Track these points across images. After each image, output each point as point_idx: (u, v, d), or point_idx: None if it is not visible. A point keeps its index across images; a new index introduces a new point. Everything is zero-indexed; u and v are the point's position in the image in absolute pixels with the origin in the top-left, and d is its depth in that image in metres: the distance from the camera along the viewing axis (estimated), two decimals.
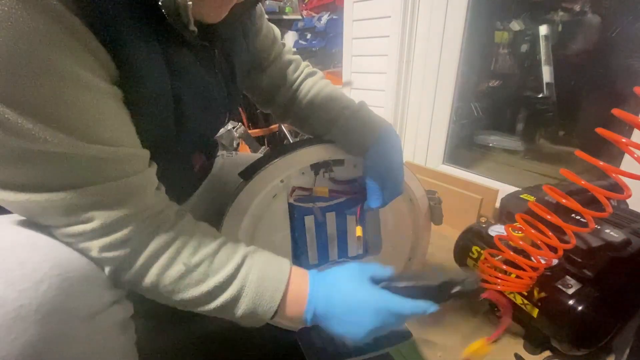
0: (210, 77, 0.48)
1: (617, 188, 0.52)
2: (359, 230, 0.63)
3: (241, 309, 0.41)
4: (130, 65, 0.35)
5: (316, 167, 0.61)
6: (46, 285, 0.32)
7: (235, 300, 0.41)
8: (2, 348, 0.29)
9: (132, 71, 0.35)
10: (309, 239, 0.64)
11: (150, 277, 0.38)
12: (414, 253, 0.74)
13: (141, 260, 0.37)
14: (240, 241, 0.45)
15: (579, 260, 0.67)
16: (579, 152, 0.52)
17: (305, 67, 0.69)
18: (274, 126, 1.94)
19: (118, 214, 0.35)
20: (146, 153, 0.39)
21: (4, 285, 0.30)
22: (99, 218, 0.34)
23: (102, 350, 0.39)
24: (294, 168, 0.59)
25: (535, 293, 0.69)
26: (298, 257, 0.66)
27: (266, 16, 0.65)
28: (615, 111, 0.47)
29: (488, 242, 0.80)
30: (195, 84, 0.44)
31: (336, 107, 0.62)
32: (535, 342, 0.73)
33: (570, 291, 0.65)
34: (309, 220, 0.64)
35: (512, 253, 0.65)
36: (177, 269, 0.39)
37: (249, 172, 0.57)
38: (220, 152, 0.74)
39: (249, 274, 0.41)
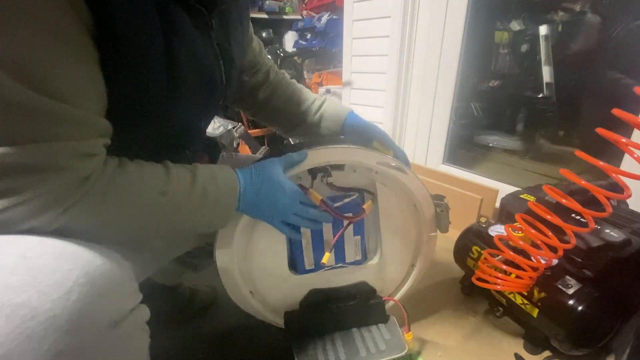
0: (206, 44, 0.48)
1: (617, 188, 0.52)
2: (325, 257, 0.60)
3: (210, 195, 0.46)
4: (114, 27, 0.35)
5: (313, 172, 0.59)
6: (76, 294, 0.32)
7: (205, 189, 0.45)
8: (35, 358, 0.29)
9: (117, 32, 0.35)
10: (305, 244, 0.63)
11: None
12: (416, 259, 0.72)
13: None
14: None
15: (579, 260, 0.67)
16: (579, 152, 0.52)
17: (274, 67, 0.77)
18: None
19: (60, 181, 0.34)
20: (106, 125, 0.39)
21: (37, 295, 0.30)
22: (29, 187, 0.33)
23: (125, 355, 0.39)
24: (299, 169, 0.57)
25: (535, 293, 0.69)
26: (294, 261, 0.65)
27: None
28: (615, 111, 0.47)
29: (488, 242, 0.80)
30: (191, 46, 0.44)
31: (310, 97, 0.74)
32: (535, 342, 0.73)
33: (570, 291, 0.65)
34: None
35: (512, 253, 0.65)
36: (154, 195, 0.41)
37: None
38: (220, 154, 0.74)
39: (205, 174, 0.46)
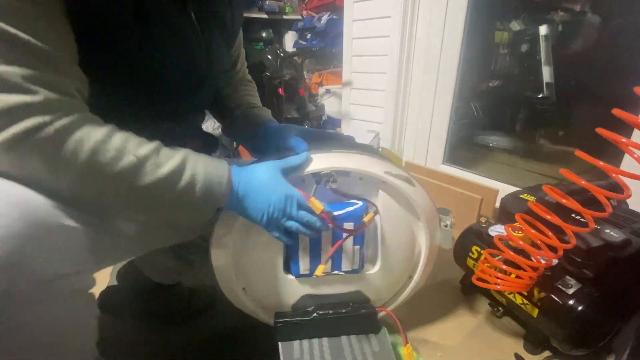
0: (182, 16, 0.48)
1: (617, 188, 0.52)
2: (319, 270, 0.59)
3: (199, 185, 0.45)
4: None
5: (318, 177, 0.57)
6: (14, 242, 0.34)
7: (193, 178, 0.44)
8: None
9: None
10: (302, 248, 0.61)
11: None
12: (414, 271, 0.69)
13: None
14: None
15: (579, 260, 0.67)
16: (579, 152, 0.52)
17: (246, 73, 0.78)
18: None
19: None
20: (78, 71, 0.39)
21: None
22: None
23: (58, 317, 0.40)
24: (300, 172, 0.56)
25: (535, 293, 0.69)
26: (289, 263, 0.64)
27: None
28: (615, 111, 0.47)
29: (488, 242, 0.80)
30: (163, 11, 0.45)
31: (266, 114, 0.73)
32: (535, 342, 0.73)
33: (570, 291, 0.65)
34: None
35: (512, 253, 0.65)
36: (128, 159, 0.40)
37: None
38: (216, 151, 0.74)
39: (196, 161, 0.46)
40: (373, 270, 0.66)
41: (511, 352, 0.73)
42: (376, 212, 0.61)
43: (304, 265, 0.63)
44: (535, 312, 0.69)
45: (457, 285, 0.92)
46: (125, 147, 0.40)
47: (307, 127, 0.70)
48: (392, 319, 0.67)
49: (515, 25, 1.78)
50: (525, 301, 0.70)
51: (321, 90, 2.16)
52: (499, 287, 0.67)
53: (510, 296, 0.74)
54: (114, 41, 0.42)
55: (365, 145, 0.68)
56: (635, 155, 0.47)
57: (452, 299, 0.89)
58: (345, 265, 0.64)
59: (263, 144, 0.66)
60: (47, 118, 0.35)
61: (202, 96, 0.60)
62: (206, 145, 0.69)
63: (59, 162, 0.37)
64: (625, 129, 0.51)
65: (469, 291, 0.90)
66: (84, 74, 0.40)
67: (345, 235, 0.58)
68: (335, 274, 0.64)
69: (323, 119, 2.08)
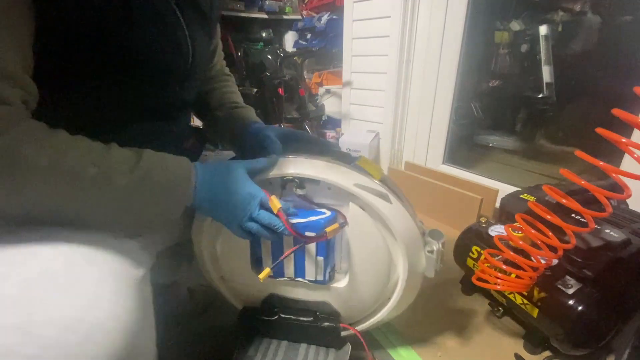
0: (164, 5, 0.48)
1: (617, 188, 0.52)
2: (263, 274, 0.55)
3: (154, 181, 0.43)
4: None
5: (284, 181, 0.56)
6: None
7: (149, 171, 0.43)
8: None
9: None
10: (264, 251, 0.61)
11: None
12: (393, 293, 0.63)
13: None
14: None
15: (579, 260, 0.67)
16: (579, 152, 0.52)
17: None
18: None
19: None
20: (27, 80, 0.37)
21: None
22: None
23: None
24: (265, 175, 0.55)
25: (535, 293, 0.69)
26: (256, 265, 0.64)
27: None
28: (615, 111, 0.47)
29: (488, 242, 0.80)
30: (146, 1, 0.45)
31: (250, 115, 0.71)
32: (535, 342, 0.73)
33: (570, 291, 0.65)
34: None
35: (512, 253, 0.65)
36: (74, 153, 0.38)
37: None
38: (205, 152, 0.74)
39: (155, 155, 0.45)
40: (341, 284, 0.63)
41: (511, 352, 0.73)
42: (342, 225, 0.57)
43: (266, 265, 0.61)
44: (535, 312, 0.69)
45: (457, 285, 0.92)
46: (87, 155, 0.39)
47: (289, 129, 0.67)
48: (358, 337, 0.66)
49: (515, 25, 1.78)
50: (525, 301, 0.70)
51: (321, 90, 2.16)
52: (499, 287, 0.67)
53: (510, 296, 0.74)
54: (100, 36, 0.41)
55: (342, 153, 0.64)
56: (635, 155, 0.47)
57: (452, 299, 0.89)
58: (309, 275, 0.61)
59: (245, 145, 0.66)
60: None
61: (189, 89, 0.60)
62: (200, 141, 0.69)
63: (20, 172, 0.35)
64: (625, 129, 0.51)
65: (469, 291, 0.90)
66: (35, 87, 0.38)
67: (299, 241, 0.55)
68: (299, 281, 0.62)
69: (323, 119, 2.09)
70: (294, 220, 0.53)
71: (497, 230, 0.82)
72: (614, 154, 1.01)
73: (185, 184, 0.47)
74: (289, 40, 2.49)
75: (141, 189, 0.42)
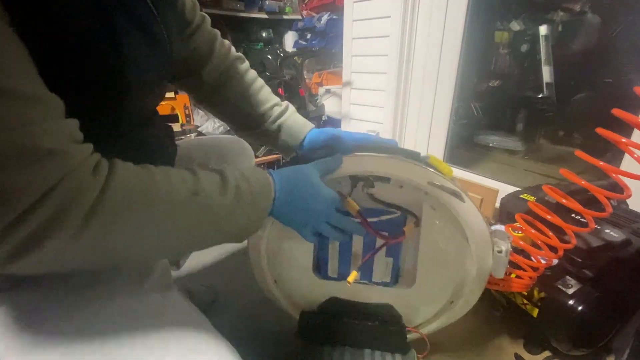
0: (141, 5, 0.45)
1: (617, 188, 0.52)
2: (352, 276, 0.54)
3: (244, 195, 0.42)
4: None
5: (354, 179, 0.54)
6: None
7: (239, 188, 0.42)
8: None
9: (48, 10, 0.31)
10: (331, 251, 0.59)
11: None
12: (457, 297, 0.62)
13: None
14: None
15: (579, 260, 0.67)
16: (579, 152, 0.52)
17: (229, 45, 0.67)
18: None
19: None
20: (60, 102, 0.32)
21: None
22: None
23: None
24: (337, 174, 0.53)
25: (535, 293, 0.69)
26: (318, 266, 0.62)
27: None
28: (615, 111, 0.47)
29: None
30: (128, 8, 0.41)
31: (269, 100, 0.66)
32: (535, 342, 0.73)
33: (570, 291, 0.65)
34: None
35: (512, 253, 0.65)
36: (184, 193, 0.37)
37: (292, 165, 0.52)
38: (182, 136, 0.70)
39: (234, 170, 0.44)
40: (407, 286, 0.62)
41: (511, 352, 0.73)
42: (417, 224, 0.56)
43: (332, 268, 0.61)
44: (535, 312, 0.69)
45: None
46: (184, 183, 0.38)
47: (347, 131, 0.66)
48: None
49: (515, 25, 1.78)
50: (525, 301, 0.70)
51: (321, 90, 2.16)
52: (499, 287, 0.67)
53: (511, 296, 0.74)
54: (76, 43, 0.36)
55: (410, 151, 0.60)
56: (635, 155, 0.47)
57: None
58: (376, 277, 0.61)
59: (310, 151, 0.64)
60: (97, 185, 0.30)
61: (163, 88, 0.56)
62: (172, 145, 0.65)
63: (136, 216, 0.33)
64: (625, 129, 0.51)
65: None
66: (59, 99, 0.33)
67: (380, 241, 0.55)
68: (365, 284, 0.61)
69: (323, 119, 2.08)
70: (369, 219, 0.52)
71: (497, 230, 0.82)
72: (614, 154, 1.01)
73: (268, 194, 0.46)
74: (289, 40, 2.48)
75: (234, 208, 0.42)
